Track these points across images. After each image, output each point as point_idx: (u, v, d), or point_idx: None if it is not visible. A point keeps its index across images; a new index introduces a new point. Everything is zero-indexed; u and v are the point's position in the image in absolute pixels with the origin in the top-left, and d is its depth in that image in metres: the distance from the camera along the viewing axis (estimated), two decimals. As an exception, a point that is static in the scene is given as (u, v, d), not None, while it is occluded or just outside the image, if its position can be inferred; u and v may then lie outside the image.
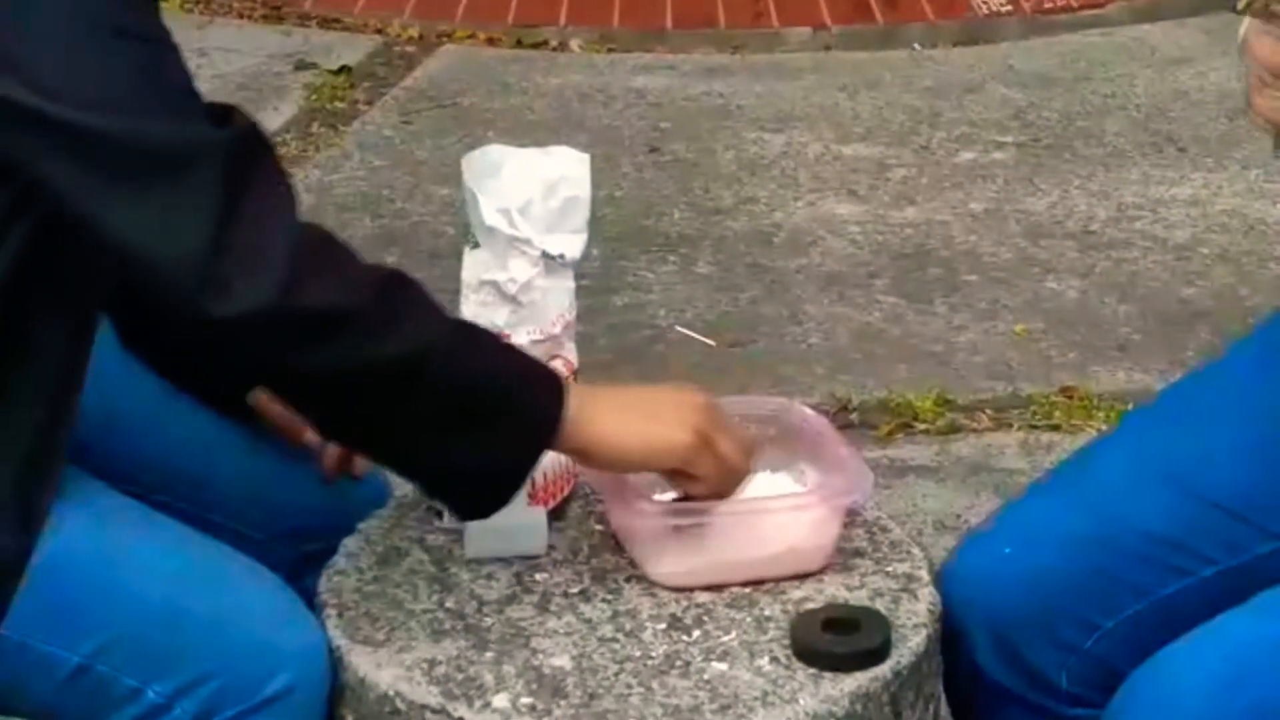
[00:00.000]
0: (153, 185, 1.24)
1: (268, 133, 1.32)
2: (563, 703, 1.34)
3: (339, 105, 4.20)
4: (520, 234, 1.47)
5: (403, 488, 1.74)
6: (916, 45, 4.58)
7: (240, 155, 1.26)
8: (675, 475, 1.44)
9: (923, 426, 2.86)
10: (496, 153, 1.51)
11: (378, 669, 1.39)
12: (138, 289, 1.32)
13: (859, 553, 1.51)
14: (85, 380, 1.42)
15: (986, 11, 4.69)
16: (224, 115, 1.29)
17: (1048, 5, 4.72)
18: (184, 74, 1.29)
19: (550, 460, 1.54)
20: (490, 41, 4.63)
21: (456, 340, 1.34)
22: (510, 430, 1.35)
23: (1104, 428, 2.72)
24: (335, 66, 4.39)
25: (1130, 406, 2.76)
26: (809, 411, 1.59)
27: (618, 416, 1.40)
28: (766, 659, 1.39)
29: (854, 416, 2.88)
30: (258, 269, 1.24)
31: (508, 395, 1.34)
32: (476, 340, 1.37)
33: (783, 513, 1.48)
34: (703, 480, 1.44)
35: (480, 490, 1.38)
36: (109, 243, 1.27)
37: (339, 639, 1.42)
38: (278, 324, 1.25)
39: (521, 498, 1.53)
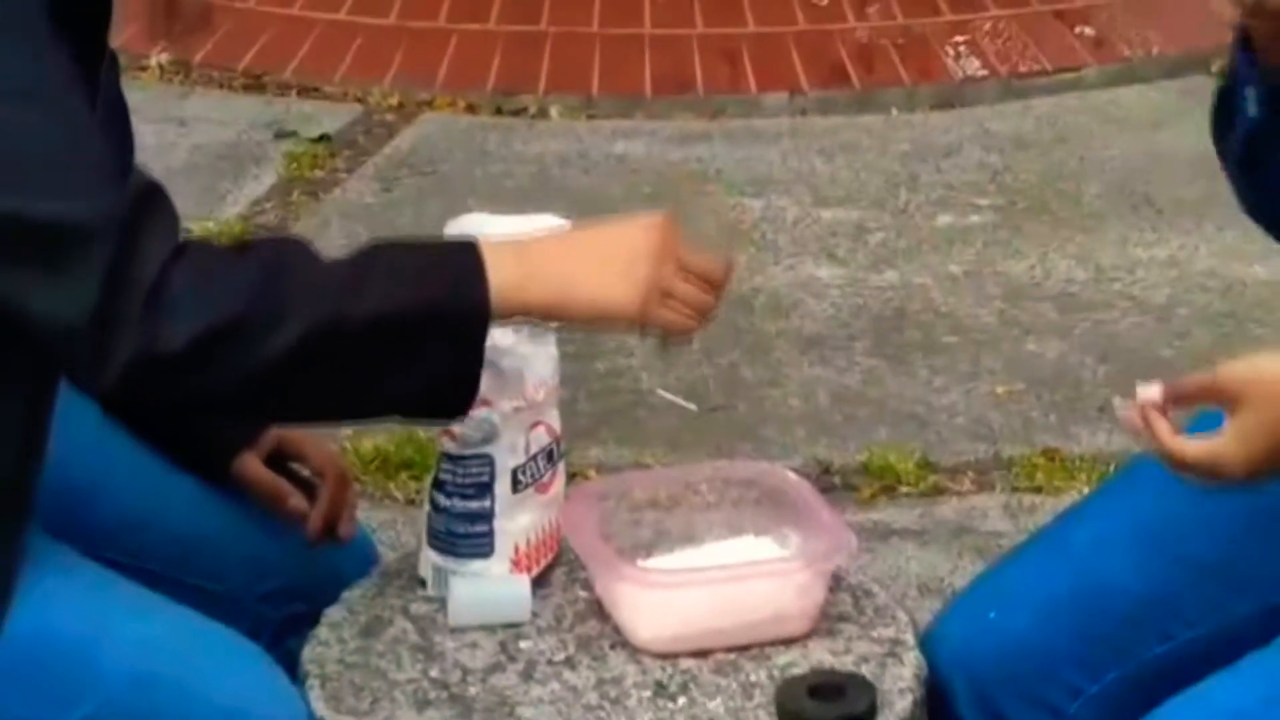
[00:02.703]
0: (41, 267, 1.24)
1: (163, 189, 1.30)
2: (548, 771, 1.33)
3: (319, 173, 4.21)
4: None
5: (389, 555, 1.74)
6: (893, 110, 4.61)
7: (125, 226, 1.25)
8: None
9: (905, 489, 2.85)
10: (477, 220, 1.51)
11: (361, 739, 1.38)
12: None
13: (844, 617, 1.51)
14: (49, 445, 1.41)
15: (963, 76, 4.72)
16: (121, 174, 1.27)
17: (1023, 69, 4.75)
18: (81, 136, 1.26)
19: (533, 527, 1.54)
20: (470, 109, 4.64)
21: (352, 289, 1.29)
22: (446, 340, 1.31)
23: (1086, 489, 2.71)
24: (315, 135, 4.40)
25: (1112, 468, 2.77)
26: (791, 475, 1.59)
27: (560, 280, 1.33)
28: (752, 725, 1.38)
29: (835, 479, 2.87)
30: (122, 328, 1.23)
31: (429, 310, 1.30)
32: (373, 273, 1.31)
33: (767, 578, 1.47)
34: (665, 327, 1.38)
35: (443, 397, 1.35)
36: (18, 322, 1.27)
37: (322, 710, 1.41)
38: (162, 368, 1.25)
39: (505, 566, 1.53)
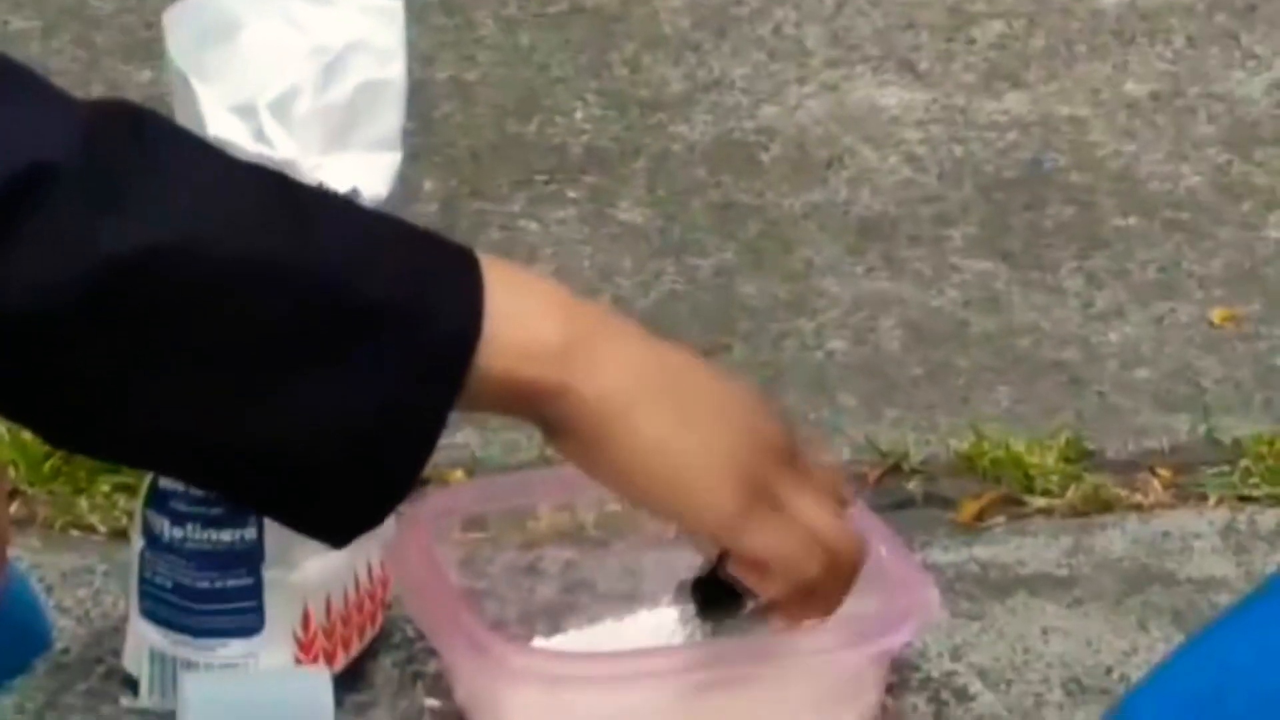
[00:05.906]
0: None
1: None
2: None
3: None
4: (274, 152, 1.48)
5: (75, 633, 1.75)
6: None
7: None
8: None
9: (1042, 501, 2.88)
10: (228, 2, 1.52)
11: None
12: None
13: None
14: None
15: None
16: None
17: None
18: None
19: (336, 579, 1.55)
20: None
21: (257, 204, 1.33)
22: (384, 361, 1.33)
23: (1374, 498, 2.75)
24: None
25: None
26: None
27: (644, 415, 1.38)
28: None
29: (912, 485, 2.89)
30: None
31: (375, 298, 1.33)
32: (295, 201, 1.35)
33: (766, 670, 1.49)
34: (770, 577, 1.43)
35: (342, 488, 1.35)
36: None
37: None
38: None
39: (286, 651, 1.54)
